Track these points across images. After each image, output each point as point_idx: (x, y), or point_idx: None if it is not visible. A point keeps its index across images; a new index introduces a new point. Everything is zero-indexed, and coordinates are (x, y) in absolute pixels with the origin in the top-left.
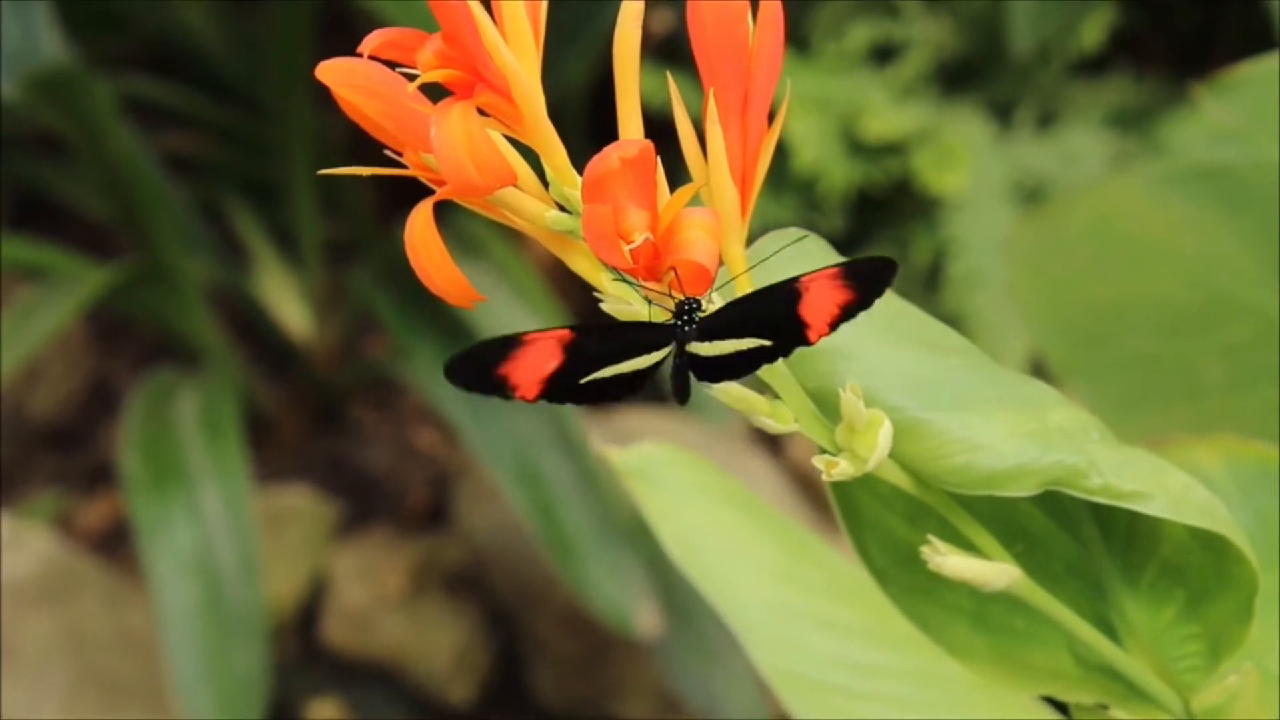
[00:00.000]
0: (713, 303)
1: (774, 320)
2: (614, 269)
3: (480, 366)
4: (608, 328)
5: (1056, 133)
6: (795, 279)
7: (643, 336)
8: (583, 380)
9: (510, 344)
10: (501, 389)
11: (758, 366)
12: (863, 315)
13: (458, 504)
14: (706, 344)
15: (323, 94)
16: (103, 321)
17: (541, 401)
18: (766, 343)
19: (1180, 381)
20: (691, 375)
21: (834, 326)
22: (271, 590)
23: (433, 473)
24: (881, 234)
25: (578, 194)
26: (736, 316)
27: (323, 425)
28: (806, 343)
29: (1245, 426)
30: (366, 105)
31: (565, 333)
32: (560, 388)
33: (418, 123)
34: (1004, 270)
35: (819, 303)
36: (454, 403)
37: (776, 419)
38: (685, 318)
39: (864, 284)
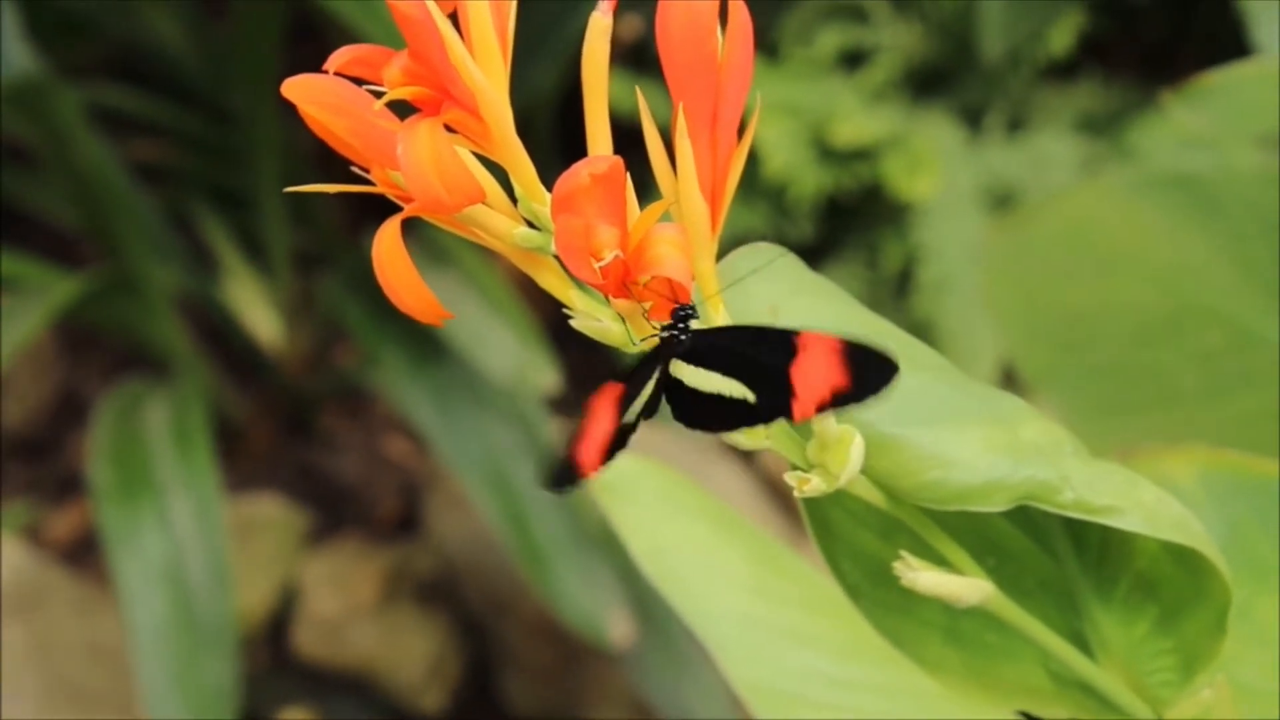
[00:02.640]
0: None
1: (763, 369)
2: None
3: (568, 466)
4: (641, 366)
5: (1026, 138)
6: (795, 333)
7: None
8: (626, 420)
9: (579, 430)
10: (577, 477)
11: (736, 426)
12: (835, 329)
13: (429, 513)
14: (692, 370)
15: (290, 103)
16: (71, 331)
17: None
18: (749, 396)
19: (1152, 389)
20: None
21: (820, 410)
22: (242, 600)
23: (403, 481)
24: (851, 240)
25: (546, 211)
26: (728, 344)
27: (293, 434)
28: (790, 418)
29: (1218, 435)
30: (333, 122)
31: (616, 386)
32: (616, 445)
33: (385, 140)
34: (974, 276)
35: (813, 373)
36: (424, 412)
37: (748, 435)
38: (681, 325)
39: (862, 379)
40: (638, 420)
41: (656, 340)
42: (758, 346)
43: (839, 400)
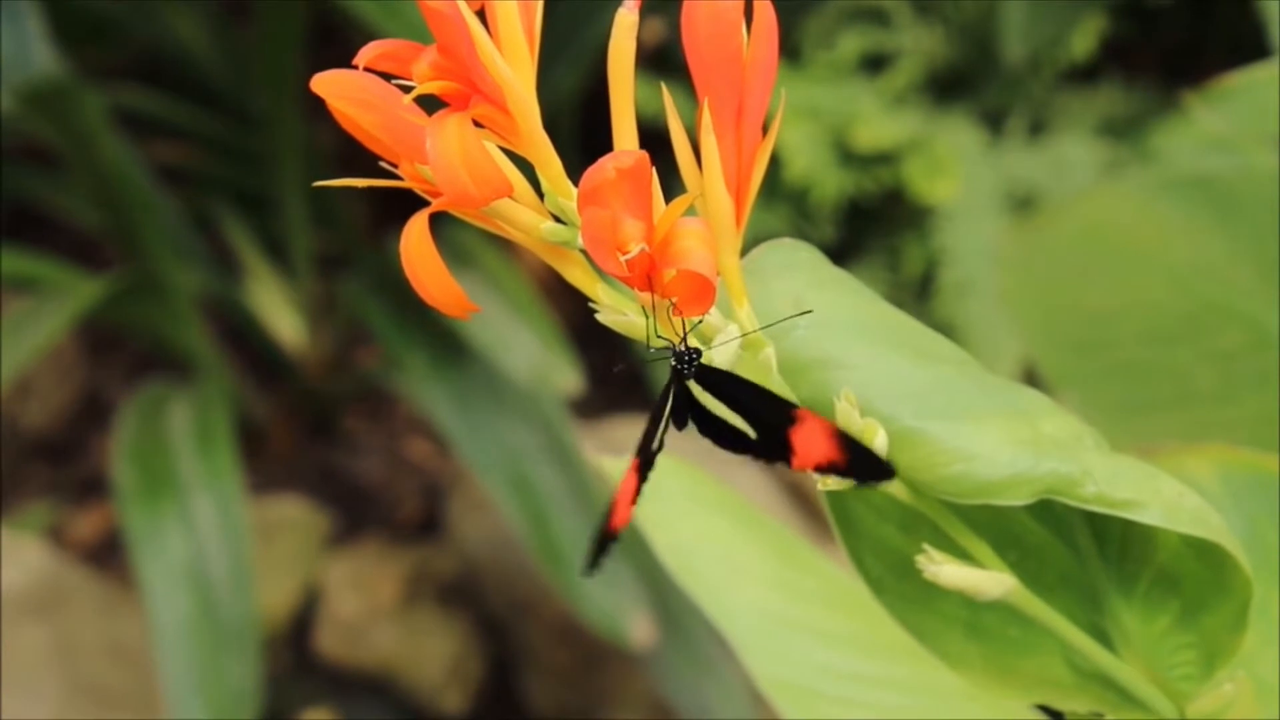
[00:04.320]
0: (711, 317)
1: (764, 423)
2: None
3: (608, 539)
4: (650, 424)
5: (1047, 141)
6: (794, 406)
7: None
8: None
9: (611, 513)
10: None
11: (743, 453)
12: (855, 323)
13: (450, 514)
14: (700, 389)
15: (313, 104)
16: (94, 333)
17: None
18: (751, 434)
19: (1171, 389)
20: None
21: (819, 471)
22: (264, 601)
23: (425, 483)
24: (873, 243)
25: (573, 205)
26: (733, 392)
27: (315, 436)
28: (789, 465)
29: (1236, 434)
30: (361, 117)
31: (634, 461)
32: (640, 487)
33: (413, 135)
34: (995, 279)
35: (811, 443)
36: (446, 413)
37: None
38: (685, 366)
39: (858, 464)
40: (659, 448)
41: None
42: (759, 402)
43: (834, 470)
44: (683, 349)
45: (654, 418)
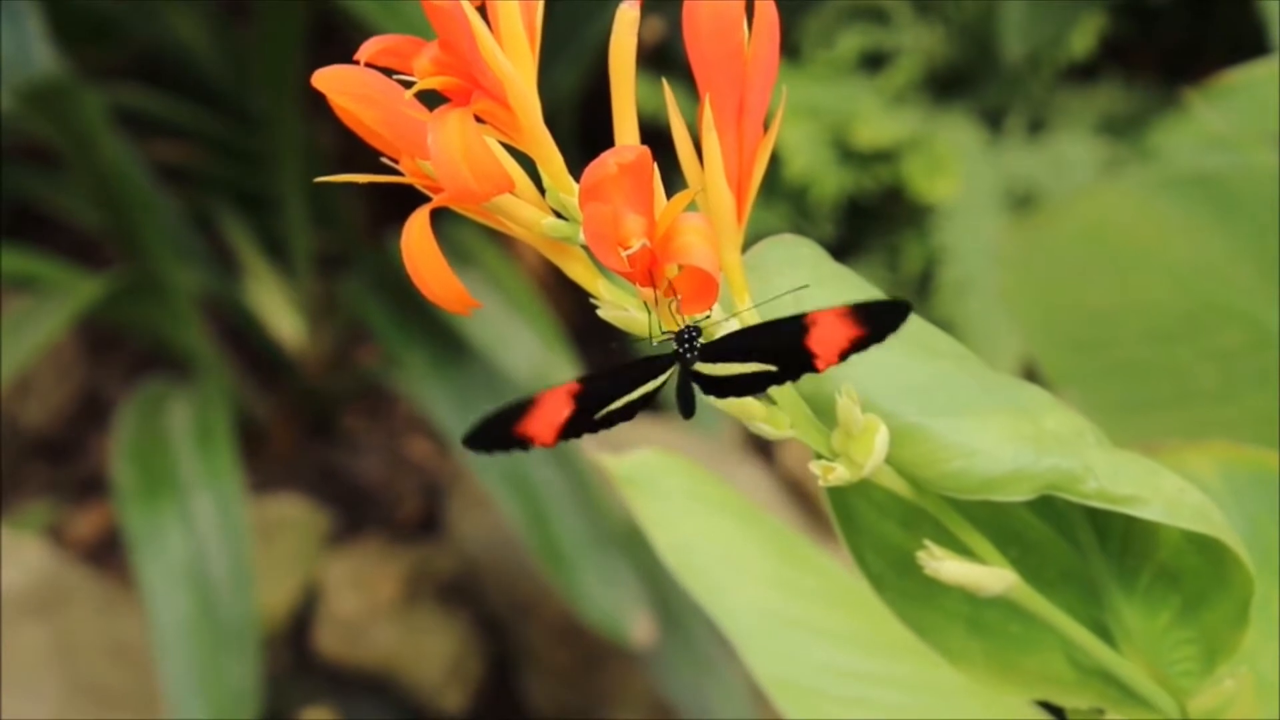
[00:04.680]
0: (711, 316)
1: (780, 351)
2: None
3: (498, 431)
4: (613, 373)
5: (1047, 140)
6: (801, 315)
7: (648, 370)
8: (596, 415)
9: (523, 406)
10: (521, 444)
11: (764, 387)
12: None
13: (450, 513)
14: (711, 365)
15: (313, 104)
16: (94, 332)
17: (559, 446)
18: (772, 368)
19: (1172, 388)
20: (697, 389)
21: (843, 357)
22: (263, 600)
23: (425, 482)
24: (873, 242)
25: (574, 201)
26: (741, 345)
27: (315, 435)
28: (814, 370)
29: (1237, 433)
30: (363, 112)
31: (574, 385)
32: (575, 427)
33: (414, 130)
34: (995, 277)
35: (828, 336)
36: (446, 412)
37: (773, 425)
38: (688, 345)
39: (876, 321)
40: (605, 420)
41: (633, 353)
42: (770, 338)
43: (858, 345)
44: (684, 329)
45: (605, 385)
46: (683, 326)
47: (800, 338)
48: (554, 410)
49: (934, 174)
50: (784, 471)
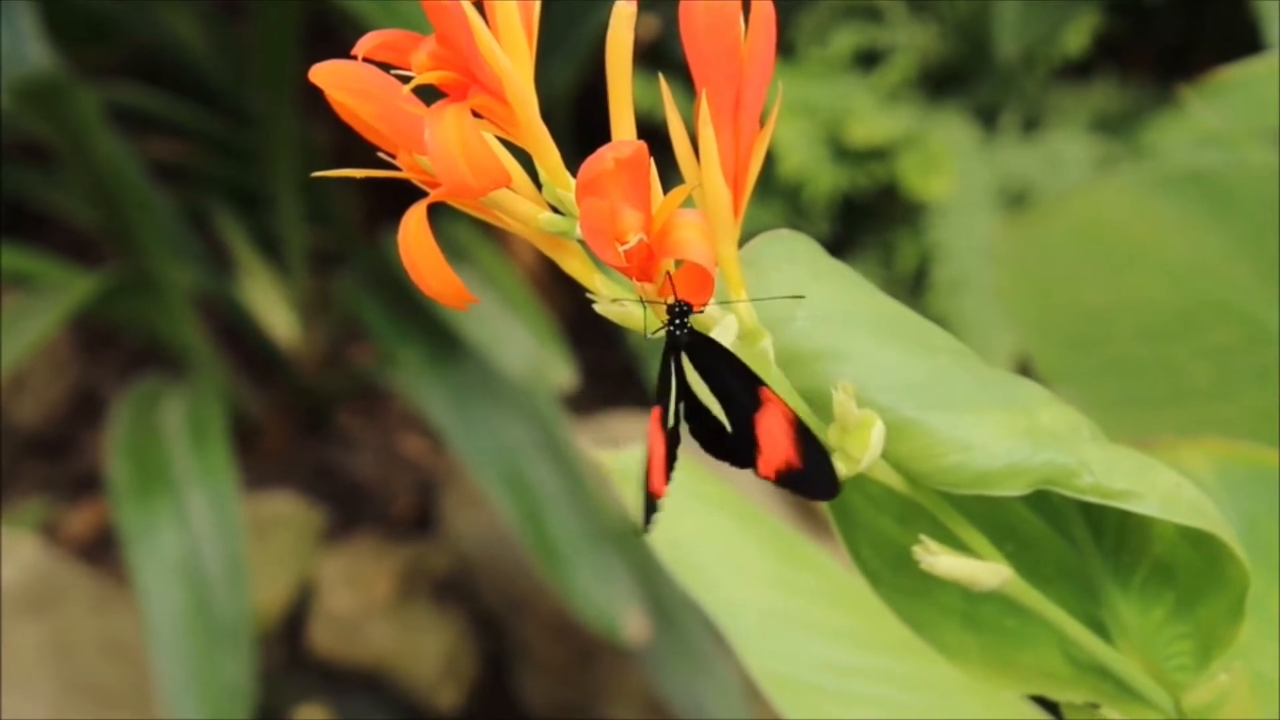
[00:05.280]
0: (706, 311)
1: (736, 406)
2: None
3: (653, 500)
4: (662, 378)
5: (1041, 137)
6: (760, 382)
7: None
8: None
9: (647, 462)
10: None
11: (725, 457)
12: (852, 314)
13: (445, 510)
14: (692, 371)
15: (308, 102)
16: (88, 329)
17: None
18: (727, 425)
19: (1167, 386)
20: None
21: (778, 481)
22: (258, 597)
23: (419, 479)
24: (867, 239)
25: (571, 196)
26: (714, 363)
27: (309, 432)
28: (756, 471)
29: (1231, 431)
30: (360, 107)
31: (655, 409)
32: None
33: (412, 125)
34: (989, 275)
35: (772, 435)
36: (441, 409)
37: None
38: (678, 320)
39: (810, 468)
40: (679, 424)
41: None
42: (735, 380)
43: (789, 477)
44: (675, 303)
45: (661, 385)
46: (675, 304)
47: (753, 408)
48: (658, 446)
49: (928, 172)
50: None
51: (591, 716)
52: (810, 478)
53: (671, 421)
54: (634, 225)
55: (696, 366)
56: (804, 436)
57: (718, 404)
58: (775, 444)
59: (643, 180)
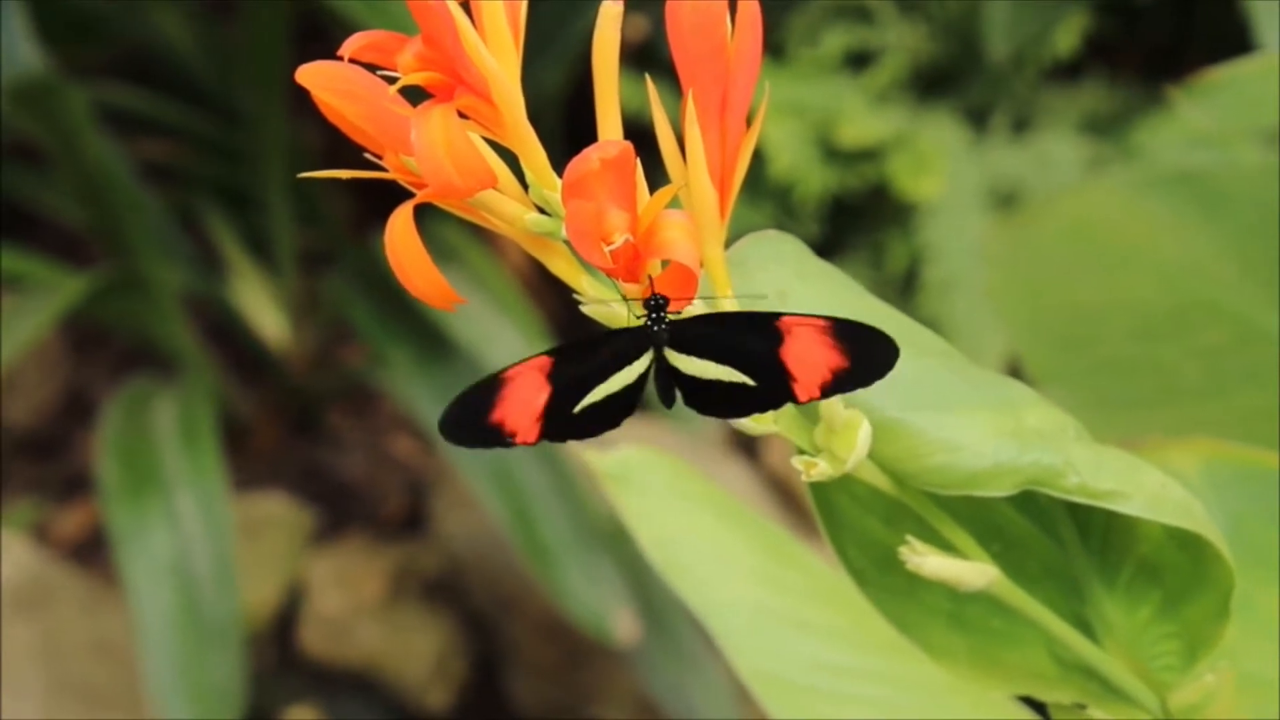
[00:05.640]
0: (694, 308)
1: (753, 355)
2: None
3: (471, 417)
4: (583, 343)
5: (1031, 138)
6: (776, 316)
7: (620, 345)
8: (576, 409)
9: (493, 385)
10: (499, 437)
11: (748, 411)
12: (839, 314)
13: (435, 511)
14: (685, 358)
15: (298, 103)
16: (78, 330)
17: (544, 441)
18: (749, 381)
19: (1156, 385)
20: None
21: (825, 394)
22: (248, 598)
23: (409, 480)
24: (857, 240)
25: (557, 197)
26: (712, 333)
27: (299, 433)
28: (795, 400)
29: (1221, 431)
30: (346, 108)
31: (543, 359)
32: (557, 423)
33: (398, 125)
34: (980, 276)
35: (807, 356)
36: (430, 410)
37: (756, 420)
38: (655, 315)
39: (860, 356)
40: (595, 409)
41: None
42: (742, 334)
43: (841, 381)
44: (651, 297)
45: (582, 360)
46: (652, 297)
47: (775, 345)
48: (529, 393)
49: (918, 172)
50: (768, 469)
51: (581, 717)
52: (863, 364)
53: (588, 403)
54: (620, 226)
55: (688, 349)
56: (841, 330)
57: (727, 370)
58: (812, 360)
59: (629, 181)
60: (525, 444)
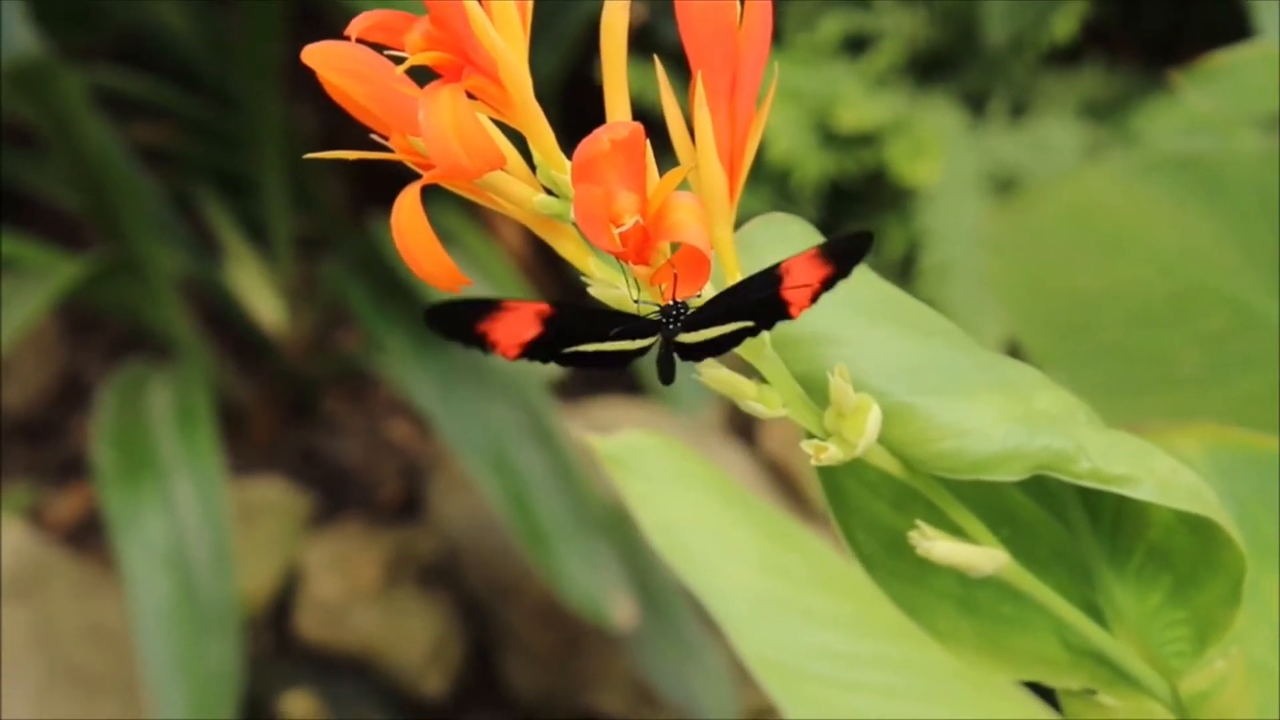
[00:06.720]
0: (703, 296)
1: (758, 304)
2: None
3: (461, 320)
4: (590, 313)
5: (1029, 123)
6: (777, 265)
7: (626, 328)
8: (564, 351)
9: (491, 306)
10: (481, 343)
11: (739, 342)
12: (849, 298)
13: (431, 496)
14: (693, 334)
15: (294, 86)
16: (74, 314)
17: (522, 360)
18: (749, 324)
19: (1157, 371)
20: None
21: (814, 299)
22: (244, 583)
23: (406, 464)
24: (855, 225)
25: (566, 178)
26: (722, 309)
27: (295, 417)
28: (789, 317)
29: (1221, 416)
30: (353, 89)
31: (544, 307)
32: (540, 352)
33: (406, 106)
34: (978, 261)
35: (800, 281)
36: (427, 395)
37: (764, 404)
38: (673, 316)
39: (841, 257)
40: (572, 358)
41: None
42: (747, 294)
43: (827, 284)
44: (671, 304)
45: (588, 321)
46: (670, 303)
47: (777, 287)
48: (520, 324)
49: (916, 157)
50: (765, 454)
51: (578, 703)
52: (845, 261)
53: (571, 350)
54: (629, 208)
55: (704, 327)
56: (828, 247)
57: (730, 325)
58: (805, 280)
59: (639, 162)
60: (504, 356)
